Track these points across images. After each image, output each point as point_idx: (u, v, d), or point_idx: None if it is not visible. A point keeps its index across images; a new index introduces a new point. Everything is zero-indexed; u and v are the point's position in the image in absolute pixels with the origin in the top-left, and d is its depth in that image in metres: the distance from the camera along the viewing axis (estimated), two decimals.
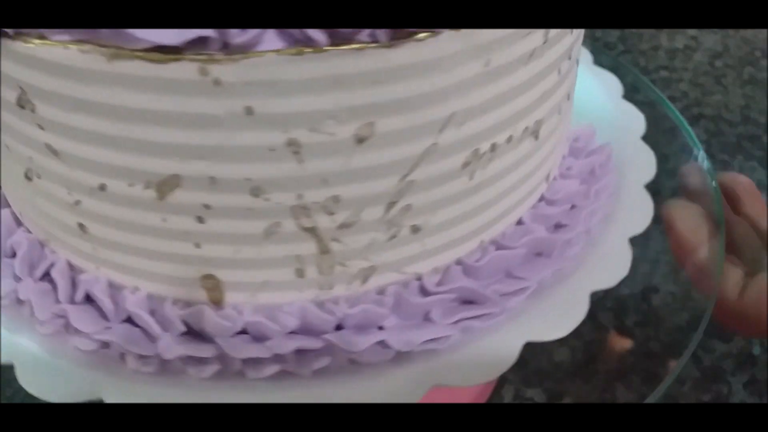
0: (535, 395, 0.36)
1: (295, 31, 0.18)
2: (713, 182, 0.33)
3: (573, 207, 0.28)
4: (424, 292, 0.24)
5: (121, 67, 0.19)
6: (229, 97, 0.19)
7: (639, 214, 0.29)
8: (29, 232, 0.26)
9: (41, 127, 0.21)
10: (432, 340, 0.23)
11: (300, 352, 0.23)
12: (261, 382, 0.22)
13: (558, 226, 0.27)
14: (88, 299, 0.24)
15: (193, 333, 0.23)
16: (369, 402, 0.22)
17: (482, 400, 0.36)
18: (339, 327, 0.23)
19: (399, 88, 0.19)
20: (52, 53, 0.19)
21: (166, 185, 0.20)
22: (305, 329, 0.23)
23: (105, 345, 0.23)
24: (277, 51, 0.18)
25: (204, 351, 0.22)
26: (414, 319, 0.23)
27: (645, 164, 0.32)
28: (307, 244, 0.21)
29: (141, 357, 0.23)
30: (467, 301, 0.24)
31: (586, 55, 0.39)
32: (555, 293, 0.26)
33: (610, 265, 0.27)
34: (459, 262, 0.24)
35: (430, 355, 0.23)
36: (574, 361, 0.38)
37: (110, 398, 0.22)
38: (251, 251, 0.21)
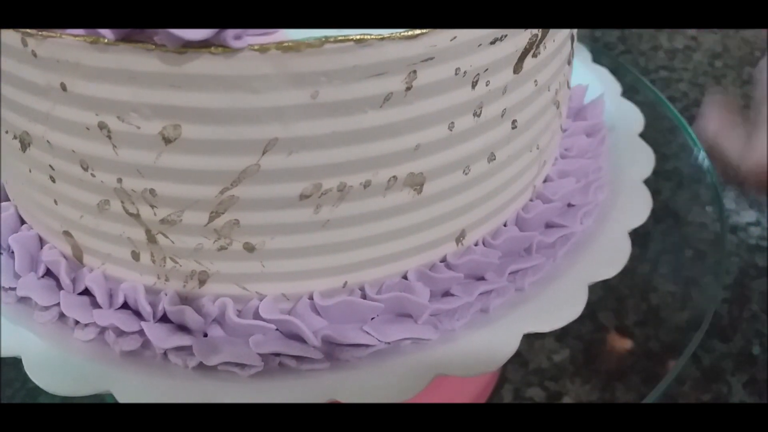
0: (535, 395, 0.36)
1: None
2: (713, 182, 0.33)
3: (480, 278, 0.26)
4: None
5: None
6: (45, 70, 0.21)
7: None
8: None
9: None
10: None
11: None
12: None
13: (481, 278, 0.25)
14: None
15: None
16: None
17: (482, 400, 0.36)
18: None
19: (202, 97, 0.20)
20: None
21: (24, 140, 0.23)
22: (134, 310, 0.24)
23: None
24: (74, 36, 0.20)
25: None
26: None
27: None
28: (136, 230, 0.23)
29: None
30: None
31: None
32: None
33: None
34: (311, 297, 0.24)
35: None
36: (574, 361, 0.38)
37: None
38: (91, 221, 0.23)
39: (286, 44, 0.19)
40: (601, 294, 0.40)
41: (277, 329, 0.23)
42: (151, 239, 0.23)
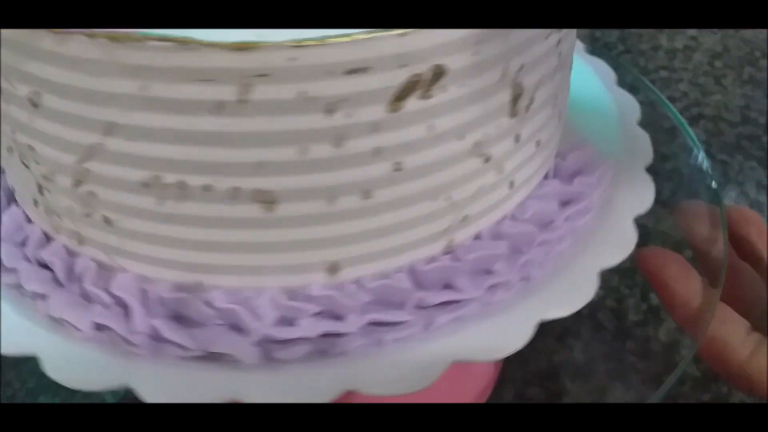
0: (535, 395, 0.36)
1: None
2: (713, 183, 0.33)
3: (338, 318, 0.23)
4: None
5: None
6: None
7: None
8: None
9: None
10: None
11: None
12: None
13: (338, 318, 0.23)
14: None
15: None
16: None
17: (482, 400, 0.36)
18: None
19: (51, 71, 0.21)
20: None
21: None
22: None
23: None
24: None
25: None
26: None
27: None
28: (31, 181, 0.24)
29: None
30: None
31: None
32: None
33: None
34: (157, 285, 0.24)
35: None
36: (574, 361, 0.38)
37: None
38: (8, 163, 0.25)
39: (112, 34, 0.20)
40: (601, 294, 0.40)
41: (117, 304, 0.24)
42: (41, 192, 0.24)
